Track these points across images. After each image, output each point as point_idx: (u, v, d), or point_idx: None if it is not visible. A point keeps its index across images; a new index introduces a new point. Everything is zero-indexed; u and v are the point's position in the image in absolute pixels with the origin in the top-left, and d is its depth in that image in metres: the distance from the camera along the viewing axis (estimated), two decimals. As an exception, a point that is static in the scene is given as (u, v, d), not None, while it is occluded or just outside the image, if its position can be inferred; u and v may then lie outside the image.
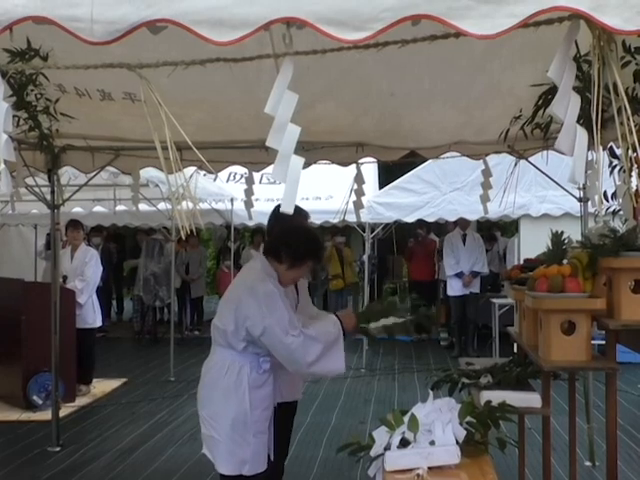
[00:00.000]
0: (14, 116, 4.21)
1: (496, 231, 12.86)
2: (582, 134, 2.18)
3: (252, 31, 2.04)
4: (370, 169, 10.66)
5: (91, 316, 8.25)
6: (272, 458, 3.52)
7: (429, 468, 2.51)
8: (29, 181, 6.14)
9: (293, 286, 3.87)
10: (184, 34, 2.07)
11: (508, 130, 4.61)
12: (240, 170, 10.18)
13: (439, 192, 10.97)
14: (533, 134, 4.38)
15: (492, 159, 6.50)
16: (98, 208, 11.83)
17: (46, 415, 6.70)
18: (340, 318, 3.49)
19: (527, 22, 1.99)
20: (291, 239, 3.53)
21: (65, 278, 8.05)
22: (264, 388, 3.43)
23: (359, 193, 6.95)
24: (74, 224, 8.47)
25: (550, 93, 3.46)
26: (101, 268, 8.63)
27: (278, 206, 4.00)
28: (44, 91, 4.34)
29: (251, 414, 3.36)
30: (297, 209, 4.18)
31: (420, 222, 11.56)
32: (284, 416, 3.83)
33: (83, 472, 5.69)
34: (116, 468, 5.79)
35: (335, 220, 11.52)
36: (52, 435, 6.31)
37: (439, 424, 2.69)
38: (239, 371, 3.38)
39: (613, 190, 3.99)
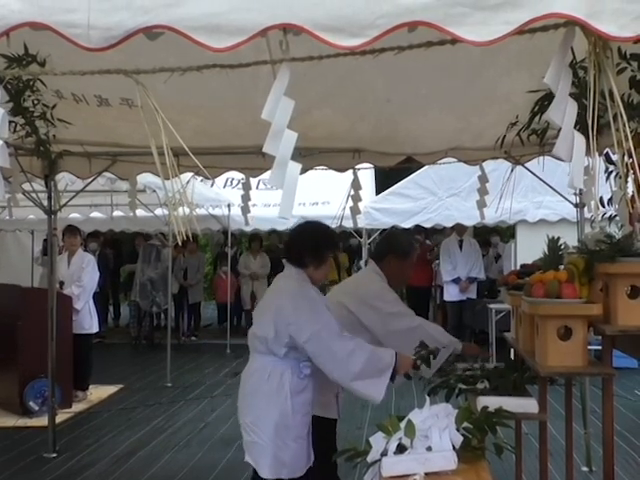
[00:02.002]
0: (11, 122, 4.22)
1: (495, 236, 12.85)
2: (580, 140, 2.19)
3: (249, 37, 2.05)
4: (367, 175, 10.66)
5: (87, 322, 8.24)
6: (311, 463, 3.56)
7: (426, 474, 2.51)
8: (26, 187, 6.14)
9: None
10: (181, 40, 2.07)
11: (505, 136, 4.63)
12: (237, 176, 10.19)
13: (436, 198, 10.99)
14: (529, 140, 4.40)
15: (489, 165, 6.50)
16: (95, 214, 11.83)
17: (42, 421, 6.69)
18: (397, 356, 3.47)
19: (523, 29, 2.00)
20: (306, 241, 3.62)
21: (62, 284, 8.04)
22: (304, 394, 3.49)
23: (356, 199, 6.96)
24: (71, 230, 8.46)
25: (546, 99, 3.47)
26: (98, 274, 8.62)
27: (395, 234, 4.20)
28: (41, 97, 4.34)
29: (292, 418, 3.42)
30: (409, 239, 4.37)
31: (417, 228, 11.59)
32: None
33: (79, 478, 5.68)
34: (113, 474, 5.77)
35: (332, 226, 11.52)
36: (48, 441, 6.29)
37: (436, 430, 2.68)
38: (281, 377, 3.43)
39: (609, 196, 4.00)
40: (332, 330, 3.35)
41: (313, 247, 3.58)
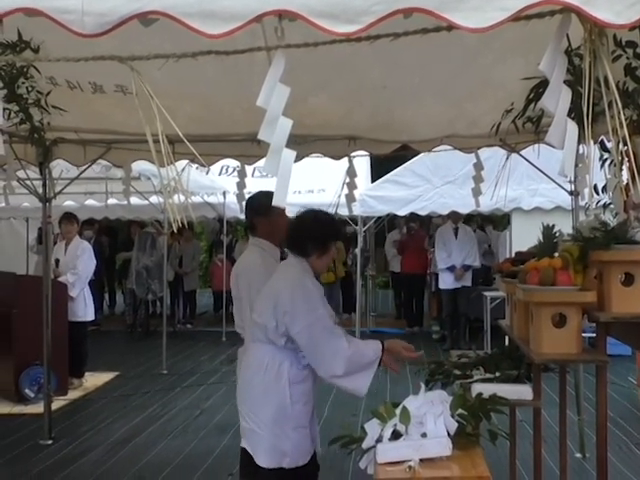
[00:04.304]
0: (5, 109, 4.20)
1: (488, 225, 12.83)
2: (572, 127, 2.19)
3: (243, 24, 2.04)
4: (362, 162, 10.64)
5: (82, 310, 8.22)
6: (318, 452, 3.54)
7: (420, 460, 2.52)
8: (21, 174, 6.12)
9: None
10: (176, 26, 2.07)
11: (500, 123, 4.62)
12: (232, 163, 10.16)
13: (431, 185, 10.99)
14: (524, 127, 4.39)
15: (484, 152, 6.49)
16: (90, 201, 11.81)
17: (38, 408, 6.69)
18: (385, 344, 3.40)
19: (518, 16, 1.99)
20: (310, 229, 3.52)
21: (57, 262, 8.00)
22: (304, 383, 3.45)
23: (351, 186, 6.95)
24: (68, 217, 8.40)
25: (541, 86, 3.46)
26: (94, 261, 8.55)
27: (251, 198, 4.26)
28: (35, 84, 4.32)
29: (292, 408, 3.38)
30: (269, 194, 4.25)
31: (412, 215, 11.59)
32: None
33: (75, 465, 5.69)
34: (108, 461, 5.79)
35: (327, 214, 11.50)
36: (44, 428, 6.30)
37: (431, 416, 2.69)
38: (279, 367, 3.39)
39: (604, 184, 4.00)
40: (324, 326, 3.31)
41: (317, 236, 3.50)
